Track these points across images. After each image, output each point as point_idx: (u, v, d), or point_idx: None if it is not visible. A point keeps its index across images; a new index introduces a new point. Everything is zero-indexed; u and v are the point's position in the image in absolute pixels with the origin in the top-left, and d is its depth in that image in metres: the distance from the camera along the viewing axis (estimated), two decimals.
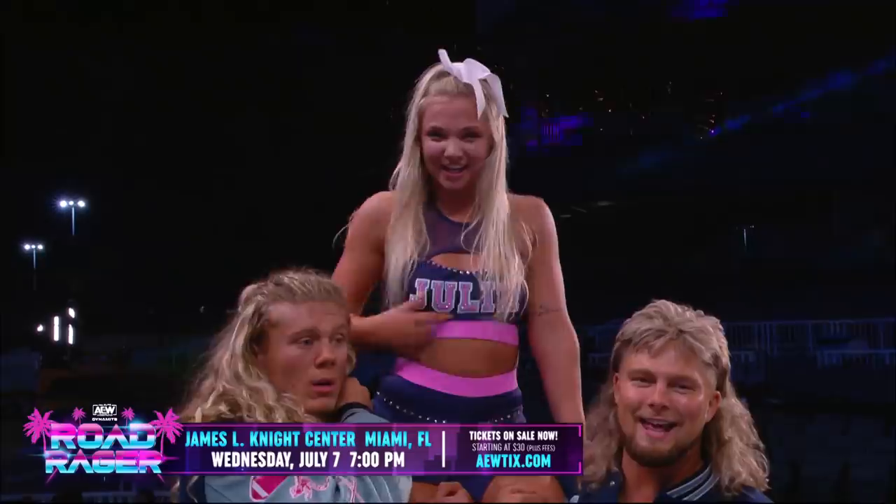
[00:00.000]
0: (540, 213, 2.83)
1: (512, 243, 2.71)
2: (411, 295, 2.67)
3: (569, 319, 2.79)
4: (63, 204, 45.93)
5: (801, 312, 24.30)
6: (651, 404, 2.32)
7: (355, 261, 2.76)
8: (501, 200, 2.74)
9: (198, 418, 2.28)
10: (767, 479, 2.43)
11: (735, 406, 2.44)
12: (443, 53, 2.73)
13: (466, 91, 2.69)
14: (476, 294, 2.67)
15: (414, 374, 2.68)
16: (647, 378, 2.34)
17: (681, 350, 2.35)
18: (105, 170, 46.17)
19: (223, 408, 2.29)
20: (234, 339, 2.40)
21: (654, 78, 27.93)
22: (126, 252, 44.39)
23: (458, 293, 2.66)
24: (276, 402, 2.30)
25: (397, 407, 2.66)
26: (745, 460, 2.39)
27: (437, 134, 2.68)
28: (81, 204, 46.09)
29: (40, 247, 47.55)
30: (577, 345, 2.77)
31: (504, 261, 2.67)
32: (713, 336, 2.40)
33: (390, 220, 2.74)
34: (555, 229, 2.83)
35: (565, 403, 2.68)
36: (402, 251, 2.67)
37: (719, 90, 27.87)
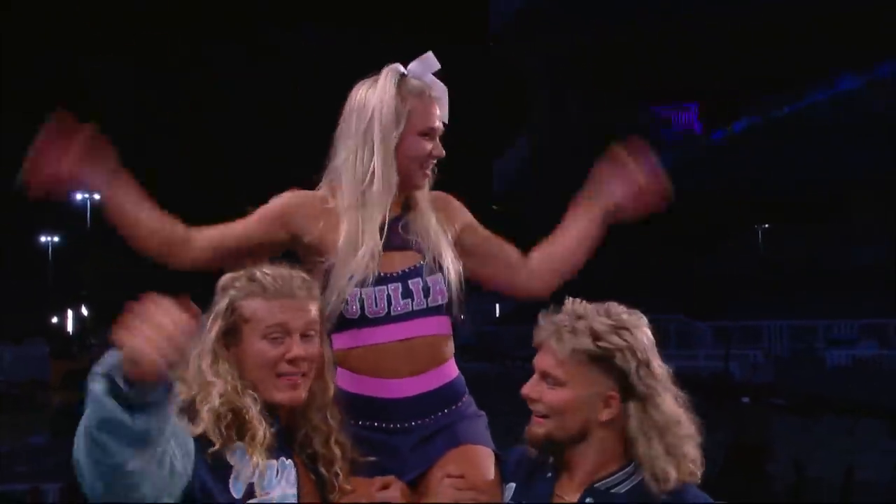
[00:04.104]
0: (454, 205, 2.86)
1: (446, 233, 2.76)
2: (343, 306, 2.64)
3: None
4: (79, 197, 45.93)
5: (812, 313, 24.24)
6: (524, 395, 2.46)
7: (263, 229, 2.75)
8: (427, 193, 2.80)
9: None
10: (699, 473, 2.44)
11: (664, 409, 2.42)
12: (432, 57, 2.75)
13: (439, 96, 2.76)
14: (406, 293, 2.67)
15: (348, 382, 2.66)
16: (534, 370, 2.48)
17: (551, 347, 2.42)
18: (122, 163, 46.27)
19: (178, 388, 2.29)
20: (207, 333, 2.41)
21: (666, 76, 27.90)
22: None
23: (388, 296, 2.66)
24: (221, 401, 2.32)
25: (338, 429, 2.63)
26: (673, 459, 2.39)
27: (428, 135, 2.71)
28: (97, 197, 46.07)
29: (56, 239, 47.68)
30: None
31: (441, 250, 2.71)
32: (590, 337, 2.40)
33: (321, 219, 2.71)
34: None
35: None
36: (353, 277, 2.64)
37: (736, 90, 27.80)
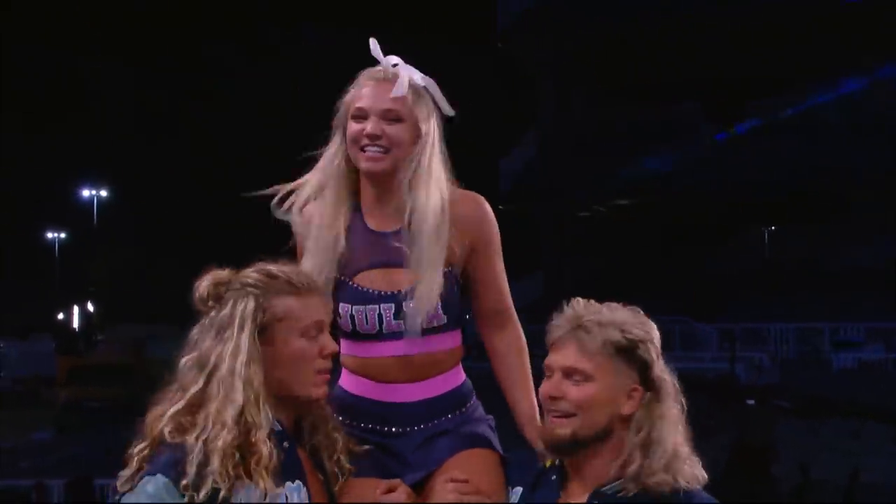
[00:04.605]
0: (481, 215, 2.71)
1: (437, 254, 2.61)
2: (337, 319, 2.60)
3: (515, 314, 2.76)
4: (86, 193, 46.03)
5: (818, 315, 24.20)
6: (547, 395, 2.41)
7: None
8: (432, 202, 2.63)
9: (165, 420, 2.31)
10: (699, 474, 2.40)
11: (671, 405, 2.42)
12: (373, 42, 2.69)
13: (393, 77, 2.65)
14: (399, 314, 2.59)
15: (350, 384, 2.66)
16: (548, 371, 2.42)
17: (574, 342, 2.39)
18: (128, 159, 46.47)
19: (167, 429, 2.29)
20: (238, 335, 2.35)
21: (671, 76, 27.88)
22: (147, 241, 44.67)
23: (380, 315, 2.60)
24: (235, 420, 2.28)
25: (335, 416, 2.59)
26: (679, 461, 2.37)
27: (359, 115, 2.63)
28: (104, 193, 46.18)
29: (62, 235, 47.80)
30: (523, 336, 2.75)
31: (434, 282, 2.58)
32: (617, 328, 2.40)
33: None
34: (496, 226, 2.72)
35: (520, 392, 2.68)
36: (322, 268, 2.60)
37: (739, 91, 27.79)
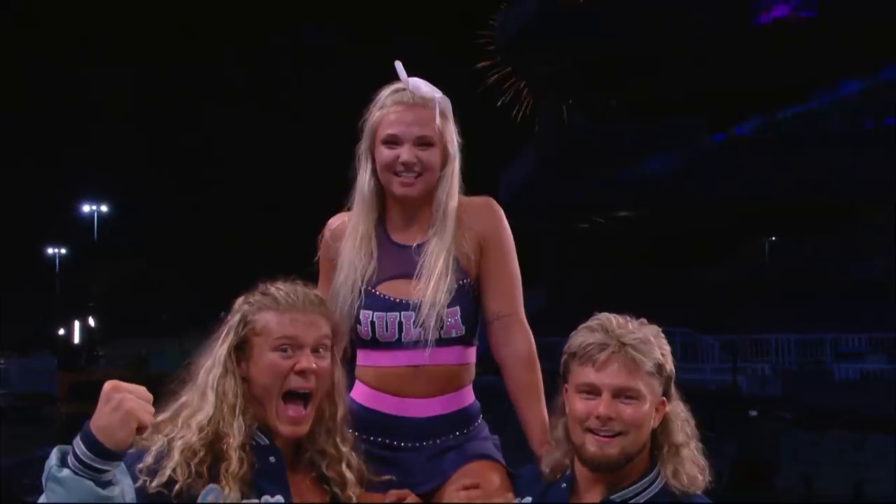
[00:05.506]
0: (489, 216, 2.77)
1: (451, 265, 2.66)
2: (358, 326, 2.66)
3: (525, 321, 2.76)
4: (86, 209, 46.02)
5: (820, 326, 24.18)
6: (597, 416, 2.39)
7: (326, 281, 2.77)
8: (452, 216, 2.70)
9: (147, 434, 2.32)
10: (710, 481, 2.47)
11: (682, 410, 2.49)
12: (398, 65, 2.72)
13: (422, 102, 2.69)
14: (419, 322, 2.63)
15: (364, 397, 2.69)
16: (592, 391, 2.41)
17: (623, 362, 2.40)
18: (128, 175, 46.53)
19: (146, 433, 2.29)
20: (218, 347, 2.43)
21: (670, 87, 27.95)
22: (147, 257, 44.68)
23: (400, 323, 2.64)
24: (201, 426, 2.33)
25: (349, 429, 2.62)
26: (697, 464, 2.44)
27: (392, 142, 2.67)
28: (104, 209, 46.16)
29: (63, 251, 47.83)
30: (534, 346, 2.74)
31: (440, 287, 2.63)
32: (655, 345, 2.44)
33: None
34: (507, 230, 2.78)
35: (528, 405, 2.67)
36: (347, 279, 2.67)
37: (739, 98, 27.82)
